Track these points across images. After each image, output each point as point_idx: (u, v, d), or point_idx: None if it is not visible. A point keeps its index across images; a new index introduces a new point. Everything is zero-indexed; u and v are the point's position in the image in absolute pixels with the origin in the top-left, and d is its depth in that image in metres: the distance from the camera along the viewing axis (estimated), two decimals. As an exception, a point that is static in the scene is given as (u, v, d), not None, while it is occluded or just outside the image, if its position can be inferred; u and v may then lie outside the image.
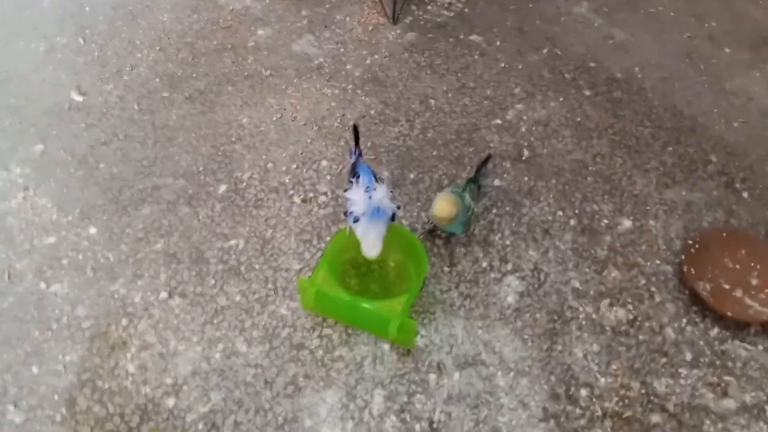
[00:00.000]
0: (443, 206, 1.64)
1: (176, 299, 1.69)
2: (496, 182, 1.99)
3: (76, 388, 1.53)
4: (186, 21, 2.43)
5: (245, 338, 1.64)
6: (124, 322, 1.64)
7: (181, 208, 1.88)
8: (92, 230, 1.80)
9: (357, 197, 1.59)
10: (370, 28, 2.45)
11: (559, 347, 1.66)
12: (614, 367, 1.63)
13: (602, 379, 1.61)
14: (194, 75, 2.24)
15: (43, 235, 1.78)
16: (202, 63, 2.28)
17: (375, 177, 1.64)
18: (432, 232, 1.85)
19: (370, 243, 1.63)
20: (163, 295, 1.70)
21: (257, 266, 1.77)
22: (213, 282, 1.73)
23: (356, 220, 1.60)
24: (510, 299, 1.74)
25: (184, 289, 1.71)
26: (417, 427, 1.51)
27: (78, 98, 2.11)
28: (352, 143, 1.74)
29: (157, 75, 2.22)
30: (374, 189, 1.58)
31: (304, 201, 1.92)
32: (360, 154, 1.69)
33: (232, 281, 1.74)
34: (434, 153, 2.07)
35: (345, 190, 1.65)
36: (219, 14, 2.47)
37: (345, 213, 1.65)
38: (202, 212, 1.87)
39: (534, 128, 2.16)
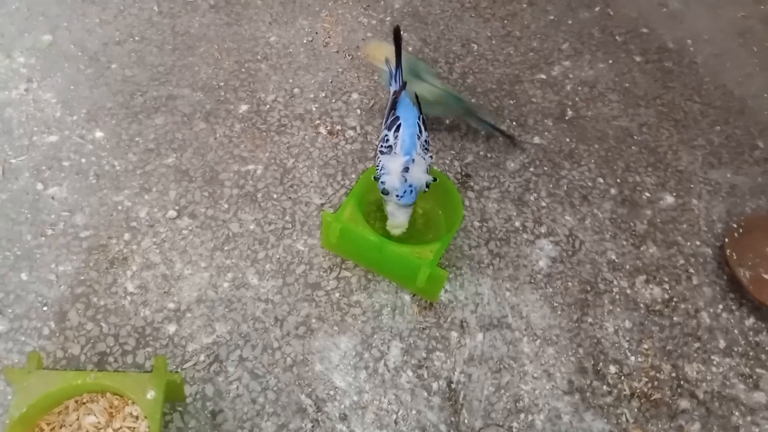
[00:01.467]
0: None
1: (185, 219, 1.55)
2: (536, 139, 1.86)
3: (68, 301, 1.39)
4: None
5: (257, 270, 1.51)
6: (127, 236, 1.49)
7: (197, 123, 1.72)
8: (98, 134, 1.64)
9: (393, 167, 1.42)
10: (415, -41, 2.26)
11: (590, 319, 1.55)
12: (646, 346, 1.53)
13: (632, 358, 1.51)
14: (221, -17, 2.05)
15: (45, 133, 1.62)
16: (230, -29, 2.09)
17: (420, 123, 1.45)
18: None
19: (396, 223, 1.52)
20: (172, 213, 1.55)
21: (275, 195, 1.63)
22: (226, 206, 1.59)
23: (385, 193, 1.46)
24: (542, 263, 1.62)
25: (194, 209, 1.57)
26: (434, 385, 1.41)
27: (93, -10, 1.92)
28: (392, 64, 1.53)
29: (180, -23, 2.03)
30: (413, 160, 1.42)
31: (330, 133, 1.77)
32: (404, 84, 1.51)
33: (247, 208, 1.60)
34: (472, 101, 1.93)
35: (383, 126, 1.49)
36: None
37: (377, 151, 1.49)
38: (219, 130, 1.72)
39: (580, 88, 2.02)
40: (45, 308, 1.37)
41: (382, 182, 1.45)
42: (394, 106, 1.48)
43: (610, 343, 1.52)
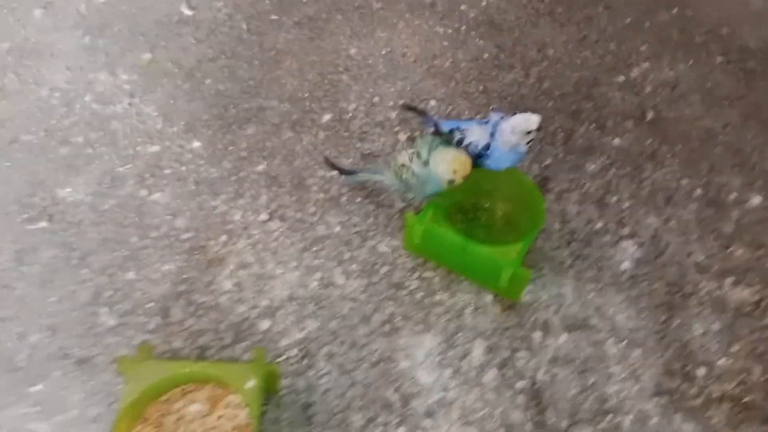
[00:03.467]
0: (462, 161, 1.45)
1: (276, 222, 1.63)
2: (616, 141, 1.85)
3: (171, 298, 1.49)
4: (297, -55, 2.33)
5: (343, 270, 1.57)
6: (223, 238, 1.59)
7: (284, 132, 1.81)
8: (196, 144, 1.75)
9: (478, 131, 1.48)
10: (488, -31, 2.30)
11: (677, 321, 1.53)
12: (735, 348, 1.50)
13: (722, 360, 1.48)
14: (304, 0, 2.15)
15: (147, 143, 1.74)
16: (312, -11, 2.19)
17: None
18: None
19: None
20: (263, 216, 1.64)
21: (358, 199, 1.70)
22: (313, 210, 1.67)
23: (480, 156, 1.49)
24: (625, 265, 1.61)
25: (284, 213, 1.65)
26: (519, 384, 1.43)
27: (188, 12, 2.05)
28: (425, 118, 1.68)
29: (266, -4, 2.14)
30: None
31: (410, 139, 1.83)
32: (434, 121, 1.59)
33: (332, 211, 1.67)
34: (549, 104, 1.94)
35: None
36: (331, -59, 2.36)
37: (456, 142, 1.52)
38: (305, 138, 1.80)
39: (660, 89, 1.99)
40: (151, 304, 1.48)
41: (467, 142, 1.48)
42: (437, 131, 1.54)
43: (698, 345, 1.50)
